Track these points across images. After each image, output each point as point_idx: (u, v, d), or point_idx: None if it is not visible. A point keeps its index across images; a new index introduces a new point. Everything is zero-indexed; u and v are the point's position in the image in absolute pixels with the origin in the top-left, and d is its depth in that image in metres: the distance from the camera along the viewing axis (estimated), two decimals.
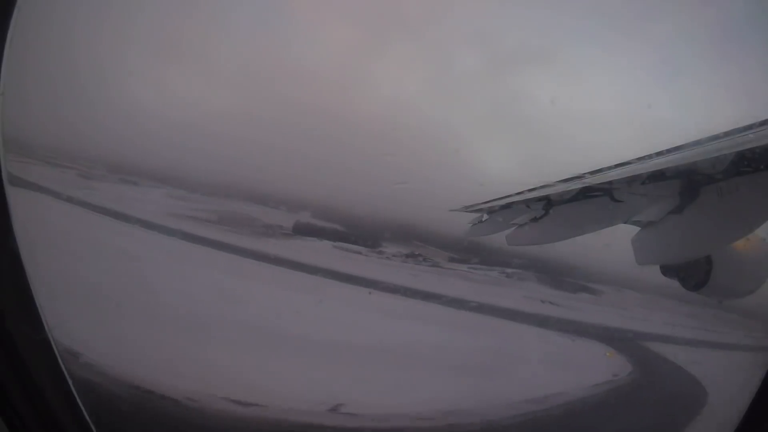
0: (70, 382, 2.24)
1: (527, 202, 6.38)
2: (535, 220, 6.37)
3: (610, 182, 5.51)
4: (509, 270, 7.61)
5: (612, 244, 5.93)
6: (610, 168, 5.58)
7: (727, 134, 4.46)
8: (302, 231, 7.71)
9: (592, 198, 5.77)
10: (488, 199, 6.83)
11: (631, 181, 5.35)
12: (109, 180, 7.13)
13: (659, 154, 5.06)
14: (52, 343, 2.23)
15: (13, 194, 2.24)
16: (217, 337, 5.14)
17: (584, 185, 5.65)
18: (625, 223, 5.82)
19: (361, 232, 7.36)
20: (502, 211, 6.79)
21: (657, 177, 5.20)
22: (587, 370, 6.04)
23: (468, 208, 7.04)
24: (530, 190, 6.26)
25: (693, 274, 5.42)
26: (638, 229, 5.62)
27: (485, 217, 7.04)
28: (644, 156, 5.22)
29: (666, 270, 5.67)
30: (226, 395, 4.35)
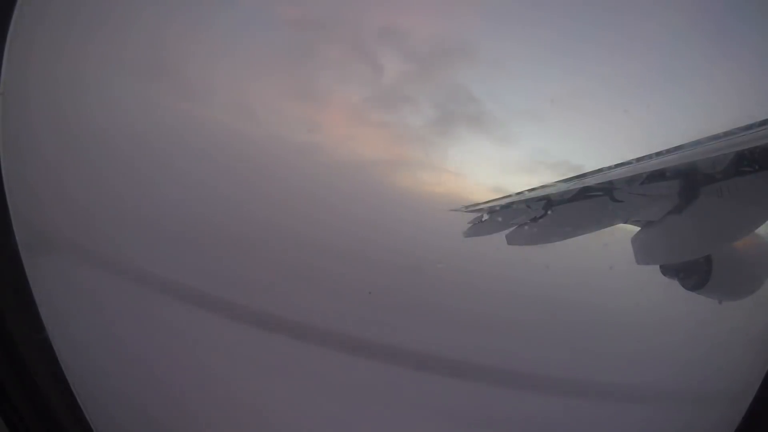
0: (70, 382, 2.24)
1: (527, 202, 6.38)
2: (535, 220, 6.37)
3: (610, 182, 5.51)
4: None
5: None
6: (610, 168, 5.58)
7: (727, 134, 4.45)
8: None
9: (592, 198, 5.77)
10: (488, 200, 6.84)
11: (631, 181, 5.34)
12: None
13: (659, 154, 5.05)
14: (52, 343, 2.23)
15: (13, 194, 2.24)
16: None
17: (584, 185, 5.64)
18: (625, 223, 5.82)
19: None
20: (502, 211, 6.79)
21: (657, 177, 5.20)
22: None
23: (468, 208, 7.05)
24: (530, 190, 6.26)
25: (693, 274, 5.41)
26: (638, 229, 5.61)
27: (485, 217, 7.04)
28: (644, 156, 5.21)
29: (666, 270, 5.66)
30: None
